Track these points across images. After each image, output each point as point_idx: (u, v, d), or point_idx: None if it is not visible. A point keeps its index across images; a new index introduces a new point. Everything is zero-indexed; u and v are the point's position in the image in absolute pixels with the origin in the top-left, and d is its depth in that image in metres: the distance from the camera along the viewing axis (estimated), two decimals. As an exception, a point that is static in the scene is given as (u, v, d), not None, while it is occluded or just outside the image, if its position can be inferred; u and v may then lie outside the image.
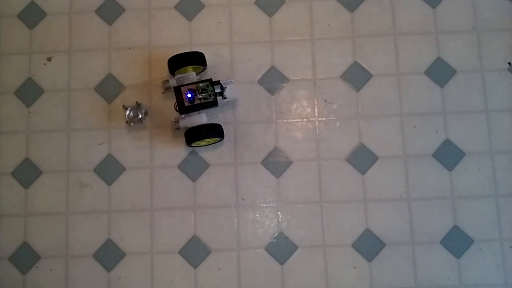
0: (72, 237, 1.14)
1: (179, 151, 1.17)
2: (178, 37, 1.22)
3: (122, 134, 1.18)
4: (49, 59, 1.23)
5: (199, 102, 1.09)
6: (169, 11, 1.23)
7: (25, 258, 1.14)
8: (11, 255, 1.14)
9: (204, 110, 1.12)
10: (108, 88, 1.21)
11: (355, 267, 1.12)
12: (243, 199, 1.15)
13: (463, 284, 1.11)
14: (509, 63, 1.19)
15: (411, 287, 1.11)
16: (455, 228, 1.13)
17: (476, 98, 1.18)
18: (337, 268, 1.12)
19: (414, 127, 1.17)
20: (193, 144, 1.12)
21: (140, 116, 1.15)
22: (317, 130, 1.18)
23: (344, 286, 1.11)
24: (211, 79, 1.11)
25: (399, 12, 1.22)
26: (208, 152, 1.17)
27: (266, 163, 1.17)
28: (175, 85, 1.11)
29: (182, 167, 1.16)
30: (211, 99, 1.09)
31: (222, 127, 1.13)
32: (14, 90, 1.21)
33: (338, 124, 1.18)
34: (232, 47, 1.21)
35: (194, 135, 1.10)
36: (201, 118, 1.12)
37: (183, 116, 1.12)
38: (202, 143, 1.13)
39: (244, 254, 1.13)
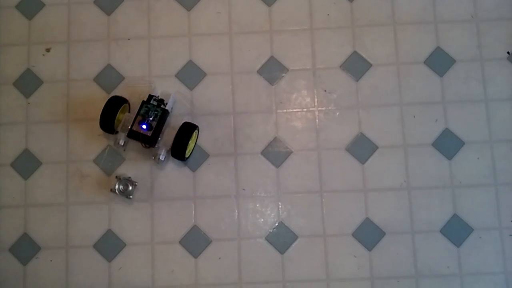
0: (72, 227, 1.12)
1: (179, 141, 1.14)
2: (177, 27, 1.19)
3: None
4: (48, 50, 1.19)
5: (156, 121, 1.05)
6: (168, 1, 1.20)
7: (25, 249, 1.11)
8: (11, 246, 1.12)
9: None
10: (107, 78, 1.17)
11: (355, 256, 1.10)
12: (243, 189, 1.12)
13: (463, 273, 1.09)
14: (508, 52, 1.17)
15: (411, 275, 1.09)
16: (455, 217, 1.10)
17: (475, 87, 1.15)
18: (337, 257, 1.10)
19: (414, 116, 1.14)
20: (187, 154, 1.09)
21: (130, 188, 1.09)
22: (317, 120, 1.15)
23: (345, 275, 1.09)
24: (143, 101, 1.07)
25: (399, 1, 1.19)
26: (208, 142, 1.14)
27: (266, 153, 1.14)
28: (126, 135, 1.06)
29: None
30: (160, 111, 1.06)
31: (188, 121, 1.09)
32: (13, 81, 1.18)
33: (337, 114, 1.15)
34: (231, 37, 1.18)
35: (179, 149, 1.06)
36: (167, 140, 1.09)
37: (157, 145, 1.08)
38: (191, 145, 1.09)
39: (245, 244, 1.10)
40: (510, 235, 1.10)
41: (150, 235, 1.11)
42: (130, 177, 1.10)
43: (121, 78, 1.17)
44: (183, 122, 1.08)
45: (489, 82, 1.15)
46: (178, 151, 1.06)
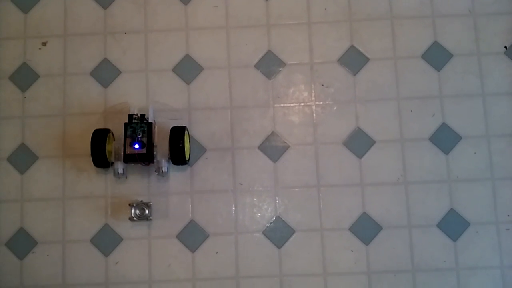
0: (69, 222, 1.10)
1: (176, 136, 1.12)
2: (174, 21, 1.17)
3: (118, 119, 1.13)
4: (44, 44, 1.17)
5: (146, 137, 1.03)
6: (165, -5, 1.18)
7: (22, 243, 1.10)
8: (7, 241, 1.10)
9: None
10: (104, 73, 1.16)
11: (352, 251, 1.09)
12: (240, 183, 1.11)
13: (460, 267, 1.08)
14: (505, 47, 1.15)
15: (408, 270, 1.08)
16: (452, 211, 1.09)
17: (472, 81, 1.14)
18: (334, 252, 1.09)
19: (411, 111, 1.13)
20: (187, 156, 1.07)
21: (147, 211, 1.06)
22: (314, 115, 1.14)
23: (341, 269, 1.08)
24: (125, 123, 1.04)
25: (396, -5, 1.17)
26: (205, 137, 1.13)
27: (263, 147, 1.12)
28: (123, 161, 1.04)
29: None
30: (146, 126, 1.04)
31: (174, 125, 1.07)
32: (9, 75, 1.16)
33: (335, 108, 1.14)
34: (229, 31, 1.16)
35: (178, 154, 1.04)
36: (162, 151, 1.07)
37: (155, 160, 1.06)
38: (187, 146, 1.07)
39: (242, 238, 1.09)
40: (507, 229, 1.09)
41: (147, 230, 1.09)
42: (141, 200, 1.07)
43: (118, 72, 1.15)
44: (170, 127, 1.06)
45: (486, 76, 1.14)
46: (178, 157, 1.04)
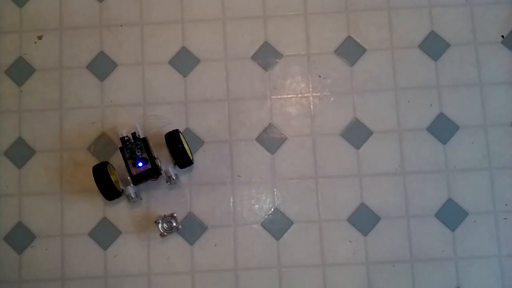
0: (67, 216, 1.09)
1: (174, 128, 1.10)
2: (170, 13, 1.15)
3: (115, 112, 1.12)
4: (39, 38, 1.16)
5: (145, 152, 1.01)
6: (160, -13, 1.16)
7: (20, 237, 1.09)
8: (6, 235, 1.09)
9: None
10: (100, 66, 1.14)
11: (350, 241, 1.08)
12: (238, 175, 1.10)
13: (458, 257, 1.07)
14: (502, 36, 1.14)
15: (406, 260, 1.07)
16: (450, 201, 1.08)
17: (470, 71, 1.12)
18: (332, 243, 1.08)
19: (408, 101, 1.11)
20: (190, 156, 1.05)
21: (174, 224, 1.05)
22: (312, 106, 1.12)
23: (340, 260, 1.07)
24: (120, 147, 1.02)
25: (393, -15, 1.15)
26: (202, 129, 1.11)
27: (261, 139, 1.11)
28: (133, 184, 1.03)
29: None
30: (141, 142, 1.02)
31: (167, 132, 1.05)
32: (5, 69, 1.14)
33: (332, 99, 1.12)
34: (225, 23, 1.15)
35: (182, 158, 1.03)
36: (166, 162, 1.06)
37: (162, 171, 1.05)
38: (186, 146, 1.05)
39: (240, 230, 1.08)
40: (505, 218, 1.08)
41: (146, 223, 1.08)
42: (164, 215, 1.05)
43: (114, 65, 1.14)
44: (164, 135, 1.04)
45: (483, 66, 1.12)
46: (183, 160, 1.03)
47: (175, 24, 1.15)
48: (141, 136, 1.03)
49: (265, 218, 1.09)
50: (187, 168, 1.09)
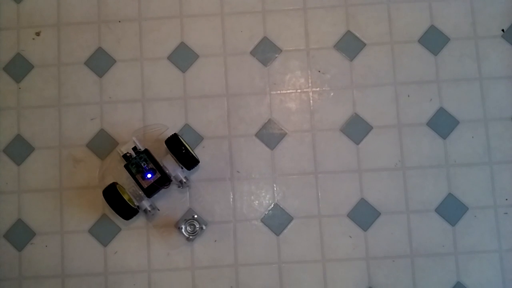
0: (66, 212, 1.08)
1: (173, 124, 1.10)
2: (169, 8, 1.14)
3: (114, 109, 1.11)
4: (37, 34, 1.14)
5: (151, 163, 1.00)
6: (158, -18, 1.15)
7: (20, 235, 1.08)
8: (6, 232, 1.08)
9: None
10: (99, 62, 1.13)
11: (350, 237, 1.07)
12: (238, 171, 1.09)
13: (458, 251, 1.06)
14: (503, 30, 1.12)
15: (406, 255, 1.06)
16: (450, 196, 1.07)
17: (469, 65, 1.11)
18: (332, 238, 1.07)
19: (408, 96, 1.10)
20: (195, 156, 1.04)
21: (197, 226, 1.03)
22: (311, 101, 1.11)
23: (340, 255, 1.06)
24: (124, 165, 1.00)
25: (392, -21, 1.14)
26: (201, 125, 1.10)
27: (260, 135, 1.10)
28: (147, 197, 1.02)
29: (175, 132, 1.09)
30: (144, 155, 1.00)
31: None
32: (3, 66, 1.13)
33: (332, 94, 1.11)
34: (224, 18, 1.13)
35: (187, 159, 1.00)
36: (172, 165, 1.03)
37: (172, 177, 1.03)
38: (188, 147, 1.03)
39: (240, 226, 1.07)
40: (505, 213, 1.07)
41: (145, 219, 1.07)
42: (185, 219, 1.04)
43: (113, 61, 1.12)
44: (164, 142, 1.02)
45: (483, 60, 1.11)
46: (189, 162, 1.01)
47: (173, 19, 1.13)
48: (142, 149, 1.02)
49: (265, 214, 1.08)
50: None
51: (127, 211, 0.98)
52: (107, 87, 1.11)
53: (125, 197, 0.99)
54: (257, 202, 1.08)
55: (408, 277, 1.05)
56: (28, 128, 1.11)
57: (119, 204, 0.97)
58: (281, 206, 1.08)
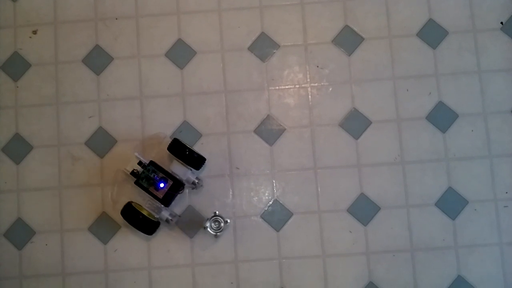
0: (66, 211, 1.07)
1: (171, 121, 1.09)
2: (165, 5, 1.13)
3: (112, 106, 1.10)
4: (34, 32, 1.13)
5: (160, 173, 1.00)
6: (155, -22, 1.13)
7: (20, 233, 1.07)
8: (6, 231, 1.07)
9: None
10: (96, 60, 1.12)
11: (350, 232, 1.06)
12: (237, 168, 1.08)
13: (458, 245, 1.05)
14: (501, 23, 1.11)
15: (406, 249, 1.05)
16: (450, 189, 1.06)
17: (468, 59, 1.10)
18: (332, 233, 1.06)
19: (407, 90, 1.09)
20: (202, 155, 1.03)
21: (222, 223, 1.00)
22: (310, 96, 1.10)
23: (340, 250, 1.05)
24: (135, 181, 1.00)
25: (390, -27, 1.13)
26: (200, 122, 1.09)
27: (259, 131, 1.09)
28: (165, 207, 1.01)
29: (174, 137, 1.08)
30: (151, 166, 1.00)
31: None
32: (1, 65, 1.12)
33: (330, 89, 1.10)
34: (221, 14, 1.12)
35: (194, 160, 1.00)
36: (181, 169, 1.02)
37: (184, 181, 1.02)
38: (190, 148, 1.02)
39: (240, 223, 1.06)
40: (505, 206, 1.06)
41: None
42: (207, 218, 1.00)
43: (110, 59, 1.11)
44: (166, 149, 1.01)
45: (482, 53, 1.10)
46: (195, 161, 1.00)
47: (170, 16, 1.12)
48: (147, 162, 1.01)
49: (265, 210, 1.07)
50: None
51: (149, 226, 0.98)
52: (105, 84, 1.11)
53: (144, 213, 0.98)
54: (256, 198, 1.07)
55: (408, 272, 1.05)
56: (26, 127, 1.10)
57: (140, 220, 0.97)
58: (281, 202, 1.07)
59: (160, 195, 0.99)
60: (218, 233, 1.00)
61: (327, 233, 1.06)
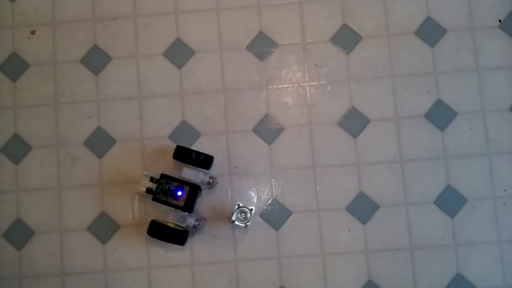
0: (65, 211, 1.07)
1: (170, 120, 1.08)
2: (163, 4, 1.12)
3: (110, 106, 1.09)
4: (32, 33, 1.13)
5: (176, 182, 0.99)
6: (153, -22, 1.13)
7: (19, 234, 1.07)
8: (5, 232, 1.07)
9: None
10: (94, 59, 1.11)
11: (349, 230, 1.05)
12: (236, 167, 1.07)
13: (457, 243, 1.04)
14: (499, 20, 1.10)
15: (405, 247, 1.05)
16: (448, 187, 1.06)
17: (467, 57, 1.10)
18: (332, 232, 1.05)
19: (406, 88, 1.09)
20: (208, 154, 1.02)
21: (248, 214, 0.97)
22: (308, 95, 1.09)
23: (339, 249, 1.05)
24: (152, 197, 0.98)
25: (388, -29, 1.12)
26: (198, 121, 1.09)
27: (257, 130, 1.08)
28: (189, 215, 1.00)
29: (173, 137, 1.08)
30: (164, 178, 0.99)
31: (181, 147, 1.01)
32: (-1, 65, 1.12)
33: (329, 88, 1.09)
34: (219, 13, 1.11)
35: (203, 161, 1.00)
36: (192, 173, 1.01)
37: (200, 184, 1.01)
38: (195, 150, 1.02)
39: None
40: (504, 204, 1.05)
41: (144, 216, 1.06)
42: (232, 212, 0.97)
43: (109, 58, 1.11)
44: (172, 158, 1.01)
45: (480, 51, 1.10)
46: (204, 162, 1.00)
47: (168, 15, 1.12)
48: (158, 176, 1.00)
49: (264, 209, 1.06)
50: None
51: (180, 237, 0.99)
52: (103, 84, 1.10)
53: (171, 225, 0.98)
54: (255, 197, 1.07)
55: (407, 270, 1.04)
56: (25, 127, 1.09)
57: (169, 234, 0.98)
58: (280, 201, 1.07)
59: (181, 203, 0.98)
60: (247, 224, 0.97)
61: (326, 231, 1.06)
